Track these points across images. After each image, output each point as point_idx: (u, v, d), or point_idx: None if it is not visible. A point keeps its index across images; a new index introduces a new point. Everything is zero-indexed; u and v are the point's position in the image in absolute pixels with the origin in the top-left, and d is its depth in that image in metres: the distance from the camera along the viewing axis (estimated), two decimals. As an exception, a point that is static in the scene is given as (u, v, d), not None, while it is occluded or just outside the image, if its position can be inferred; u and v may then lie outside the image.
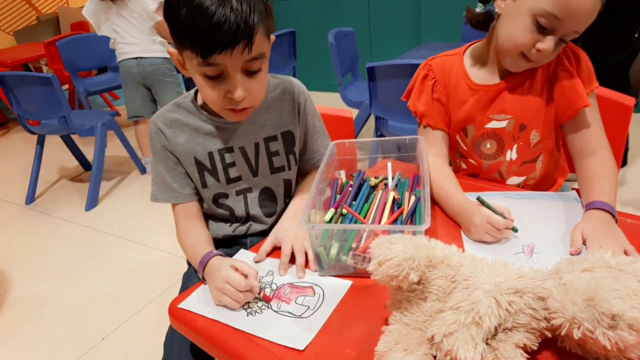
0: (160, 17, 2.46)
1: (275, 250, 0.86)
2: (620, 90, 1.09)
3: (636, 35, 1.91)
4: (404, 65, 1.78)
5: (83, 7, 2.67)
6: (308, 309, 0.71)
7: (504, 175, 1.03)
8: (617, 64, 2.03)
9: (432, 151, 1.00)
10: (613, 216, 0.78)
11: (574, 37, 0.84)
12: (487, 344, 0.54)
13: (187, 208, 0.96)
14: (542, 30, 0.82)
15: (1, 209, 2.77)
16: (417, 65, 1.05)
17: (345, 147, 1.02)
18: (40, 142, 2.80)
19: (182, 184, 0.95)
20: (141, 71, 2.59)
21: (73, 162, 3.15)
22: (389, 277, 0.57)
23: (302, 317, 0.69)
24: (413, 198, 0.87)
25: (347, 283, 0.75)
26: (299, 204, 0.96)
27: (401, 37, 3.84)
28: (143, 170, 2.96)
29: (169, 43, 2.57)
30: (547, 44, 0.83)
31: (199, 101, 0.93)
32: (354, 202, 0.91)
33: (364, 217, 0.86)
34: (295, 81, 1.00)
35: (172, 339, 0.87)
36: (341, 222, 0.86)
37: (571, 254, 0.73)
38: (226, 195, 0.97)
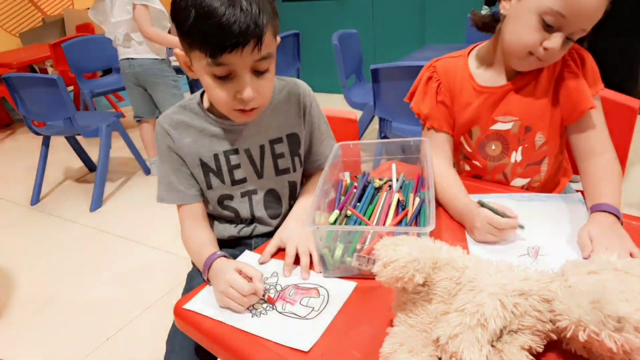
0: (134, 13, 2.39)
1: (280, 252, 0.87)
2: (626, 93, 1.09)
3: None
4: (408, 67, 1.77)
5: (88, 8, 2.68)
6: (313, 310, 0.71)
7: (509, 177, 1.03)
8: (623, 65, 2.02)
9: (436, 153, 1.00)
10: (618, 218, 0.78)
11: (581, 35, 0.84)
12: (492, 346, 0.54)
13: (193, 209, 0.96)
14: (549, 28, 0.82)
15: (6, 210, 2.78)
16: (421, 67, 1.05)
17: (349, 148, 1.02)
18: (46, 143, 2.82)
19: (187, 185, 0.95)
20: (133, 72, 2.58)
21: (78, 163, 3.17)
22: (393, 279, 0.57)
23: (307, 319, 0.69)
24: (417, 200, 0.87)
25: (351, 284, 0.75)
26: (303, 205, 0.96)
27: (405, 39, 3.84)
28: (147, 171, 2.97)
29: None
30: (554, 41, 0.82)
31: (205, 103, 0.94)
32: (358, 204, 0.91)
33: (369, 219, 0.86)
34: (301, 83, 1.00)
35: (174, 337, 0.88)
36: (345, 224, 0.86)
37: (584, 259, 0.73)
38: (231, 197, 0.98)
